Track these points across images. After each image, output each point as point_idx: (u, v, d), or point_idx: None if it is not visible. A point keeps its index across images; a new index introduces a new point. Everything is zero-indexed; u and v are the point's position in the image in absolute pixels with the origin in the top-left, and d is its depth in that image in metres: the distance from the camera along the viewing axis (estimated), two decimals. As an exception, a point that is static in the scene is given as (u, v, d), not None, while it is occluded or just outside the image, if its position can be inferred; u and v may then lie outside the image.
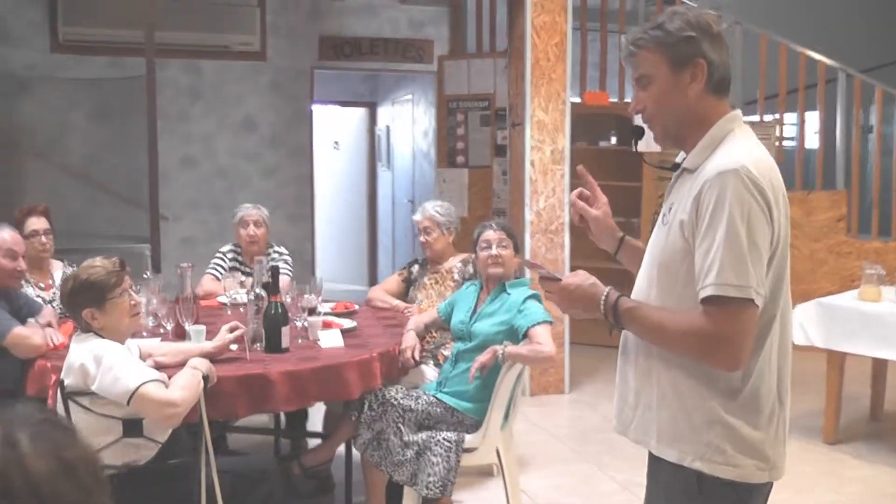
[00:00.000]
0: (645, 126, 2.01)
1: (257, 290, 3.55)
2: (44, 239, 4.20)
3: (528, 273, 4.14)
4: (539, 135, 5.61)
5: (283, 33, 7.63)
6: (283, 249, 4.96)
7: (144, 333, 3.68)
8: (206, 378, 2.76)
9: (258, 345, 3.46)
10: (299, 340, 3.62)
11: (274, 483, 3.07)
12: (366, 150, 10.42)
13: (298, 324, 3.69)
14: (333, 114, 10.47)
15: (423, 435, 3.46)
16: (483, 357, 3.44)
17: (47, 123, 6.39)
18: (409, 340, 3.70)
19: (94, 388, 2.58)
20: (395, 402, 3.49)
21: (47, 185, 6.25)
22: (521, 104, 5.69)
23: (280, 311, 3.45)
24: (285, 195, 7.85)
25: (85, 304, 2.68)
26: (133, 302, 2.76)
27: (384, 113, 10.19)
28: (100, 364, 2.58)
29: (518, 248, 3.78)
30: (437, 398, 3.60)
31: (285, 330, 3.46)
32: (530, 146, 5.61)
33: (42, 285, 4.23)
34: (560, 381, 5.80)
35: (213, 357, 3.20)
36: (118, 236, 5.58)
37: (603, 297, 1.92)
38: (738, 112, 1.94)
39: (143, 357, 3.07)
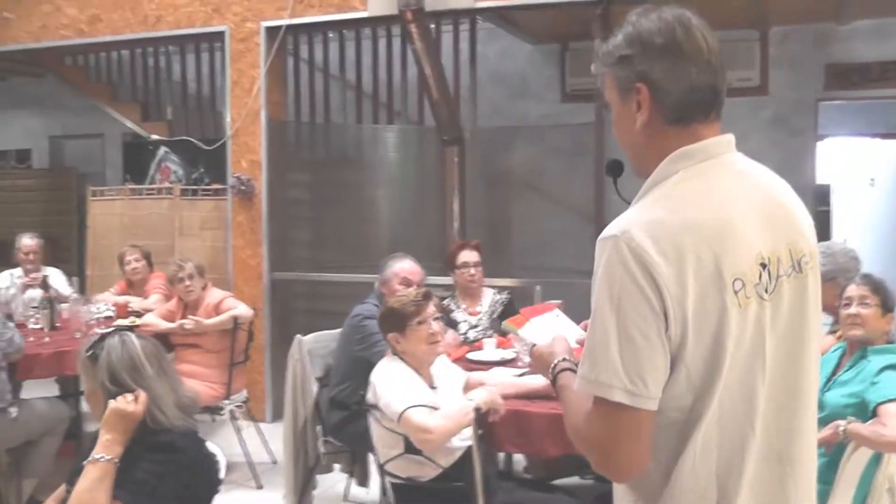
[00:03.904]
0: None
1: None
2: (472, 271, 4.76)
3: None
4: None
5: (785, 65, 7.21)
6: None
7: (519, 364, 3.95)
8: (478, 410, 2.90)
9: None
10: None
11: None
12: (907, 186, 9.19)
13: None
14: (870, 147, 9.42)
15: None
16: (824, 432, 3.01)
17: (555, 165, 7.02)
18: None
19: (380, 405, 2.93)
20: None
21: (547, 224, 6.84)
22: None
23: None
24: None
25: (390, 328, 3.06)
26: (431, 331, 3.03)
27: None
28: (385, 385, 2.93)
29: (889, 307, 3.14)
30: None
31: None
32: None
33: (470, 311, 4.79)
34: None
35: (537, 395, 3.32)
36: (582, 272, 5.86)
37: (551, 368, 1.63)
38: (704, 145, 1.48)
39: (472, 385, 3.33)
